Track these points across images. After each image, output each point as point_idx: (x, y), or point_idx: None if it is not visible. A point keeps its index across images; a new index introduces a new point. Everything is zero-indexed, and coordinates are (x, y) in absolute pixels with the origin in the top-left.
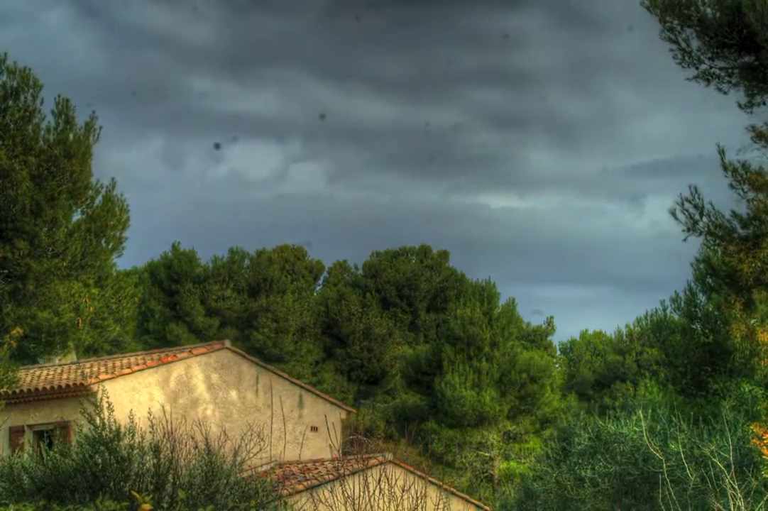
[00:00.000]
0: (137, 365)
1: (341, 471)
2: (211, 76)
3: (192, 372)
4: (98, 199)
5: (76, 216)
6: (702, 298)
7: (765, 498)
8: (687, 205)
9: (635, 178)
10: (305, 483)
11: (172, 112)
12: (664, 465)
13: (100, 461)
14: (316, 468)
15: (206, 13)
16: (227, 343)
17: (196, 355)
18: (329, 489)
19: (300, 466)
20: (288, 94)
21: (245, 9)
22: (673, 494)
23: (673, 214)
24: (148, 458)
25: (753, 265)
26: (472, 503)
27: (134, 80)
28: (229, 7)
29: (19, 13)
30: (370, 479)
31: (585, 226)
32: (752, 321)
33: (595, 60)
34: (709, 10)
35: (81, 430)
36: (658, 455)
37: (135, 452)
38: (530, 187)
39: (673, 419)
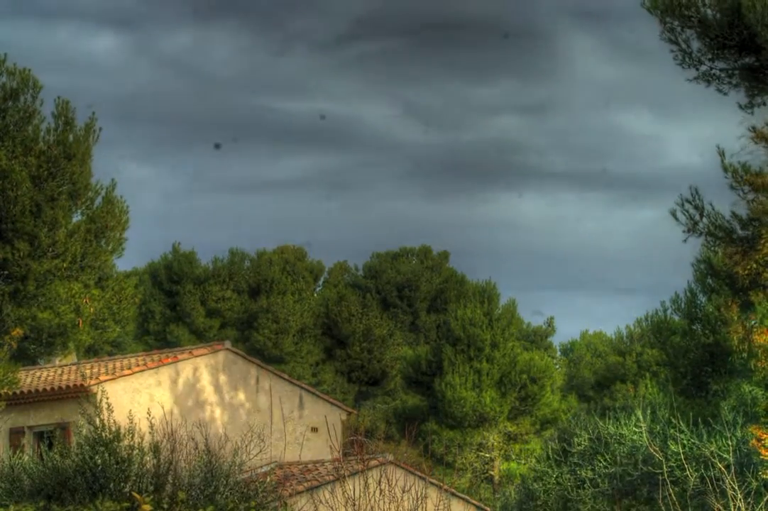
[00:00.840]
0: (137, 366)
1: (341, 472)
2: (222, 90)
3: (192, 373)
4: (98, 201)
5: (76, 217)
6: (702, 299)
7: (765, 499)
8: (687, 206)
9: (635, 180)
10: (305, 484)
11: (180, 119)
12: (664, 466)
13: (99, 462)
14: (317, 469)
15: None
16: (227, 344)
17: (197, 356)
18: (329, 490)
19: (300, 467)
20: (290, 99)
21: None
22: (673, 494)
23: (674, 214)
24: (147, 458)
25: (748, 267)
26: (473, 503)
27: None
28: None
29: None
30: (370, 480)
31: (583, 228)
32: (752, 322)
33: (615, 83)
34: (709, 12)
35: (81, 431)
36: (658, 455)
37: (135, 452)
38: (531, 189)
39: (673, 420)
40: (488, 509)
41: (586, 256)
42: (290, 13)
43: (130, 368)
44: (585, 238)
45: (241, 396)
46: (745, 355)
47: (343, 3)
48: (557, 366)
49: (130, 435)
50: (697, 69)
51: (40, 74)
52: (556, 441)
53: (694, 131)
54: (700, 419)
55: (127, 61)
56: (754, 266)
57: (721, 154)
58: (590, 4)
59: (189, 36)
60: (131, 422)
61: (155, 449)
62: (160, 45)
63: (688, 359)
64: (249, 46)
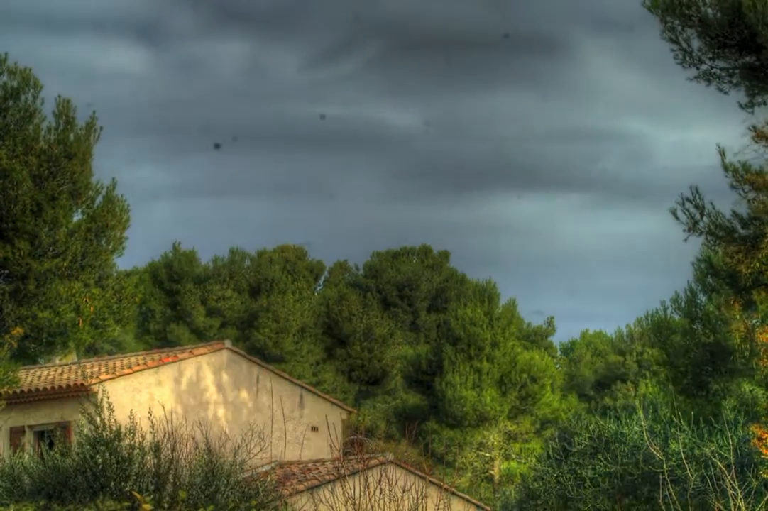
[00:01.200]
0: (138, 365)
1: (342, 471)
2: (224, 93)
3: (193, 372)
4: (99, 200)
5: (77, 216)
6: (702, 298)
7: (765, 498)
8: (688, 205)
9: (635, 181)
10: (306, 483)
11: (181, 120)
12: (665, 465)
13: (100, 461)
14: (317, 468)
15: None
16: (228, 343)
17: (197, 355)
18: (330, 489)
19: (300, 466)
20: (291, 101)
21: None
22: (673, 494)
23: (674, 213)
24: (148, 458)
25: (752, 265)
26: (473, 503)
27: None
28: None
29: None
30: (370, 480)
31: (583, 229)
32: (753, 321)
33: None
34: (709, 11)
35: (81, 430)
36: (658, 455)
37: (135, 452)
38: (530, 190)
39: (674, 419)
40: (488, 508)
41: (586, 256)
42: (292, 19)
43: (130, 367)
44: (584, 238)
45: (241, 395)
46: (747, 354)
47: (344, 8)
48: (557, 365)
49: (131, 434)
50: (698, 68)
51: (44, 78)
52: (557, 440)
53: (693, 132)
54: (700, 418)
55: (130, 65)
56: (758, 264)
57: (722, 153)
58: (590, 6)
59: (194, 41)
60: (132, 422)
61: (156, 448)
62: (164, 50)
63: (689, 359)
64: (251, 51)
